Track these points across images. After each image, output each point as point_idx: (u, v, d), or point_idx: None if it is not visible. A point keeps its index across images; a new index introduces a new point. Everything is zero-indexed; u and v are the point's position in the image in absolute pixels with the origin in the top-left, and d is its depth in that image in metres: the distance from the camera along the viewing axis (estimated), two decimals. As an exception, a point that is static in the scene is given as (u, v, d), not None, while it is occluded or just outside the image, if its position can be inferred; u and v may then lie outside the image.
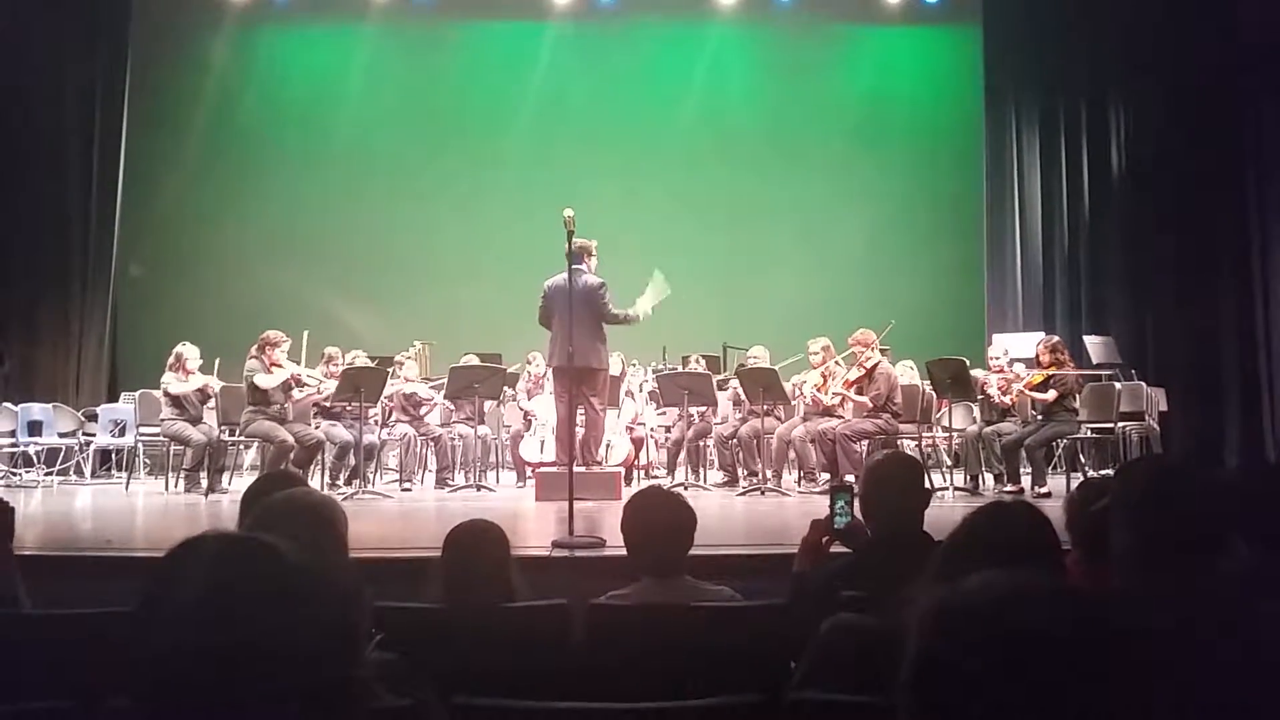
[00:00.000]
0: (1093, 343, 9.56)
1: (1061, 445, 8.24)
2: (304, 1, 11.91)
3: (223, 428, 8.01)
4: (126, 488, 8.54)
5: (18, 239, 10.58)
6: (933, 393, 8.05)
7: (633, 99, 11.82)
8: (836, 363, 8.11)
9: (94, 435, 9.56)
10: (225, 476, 8.12)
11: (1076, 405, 7.65)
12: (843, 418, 7.90)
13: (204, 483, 7.85)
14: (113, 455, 9.72)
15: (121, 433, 9.27)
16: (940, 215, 11.62)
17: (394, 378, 8.48)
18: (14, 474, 9.06)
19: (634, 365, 9.61)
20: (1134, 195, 10.78)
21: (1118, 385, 8.35)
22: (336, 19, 11.86)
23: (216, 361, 8.36)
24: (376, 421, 8.39)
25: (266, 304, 10.21)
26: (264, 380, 7.67)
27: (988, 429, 7.68)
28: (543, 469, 7.69)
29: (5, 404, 9.25)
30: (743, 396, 8.39)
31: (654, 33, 11.91)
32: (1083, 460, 8.62)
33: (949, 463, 8.36)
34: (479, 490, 8.09)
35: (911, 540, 2.64)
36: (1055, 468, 8.51)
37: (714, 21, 11.88)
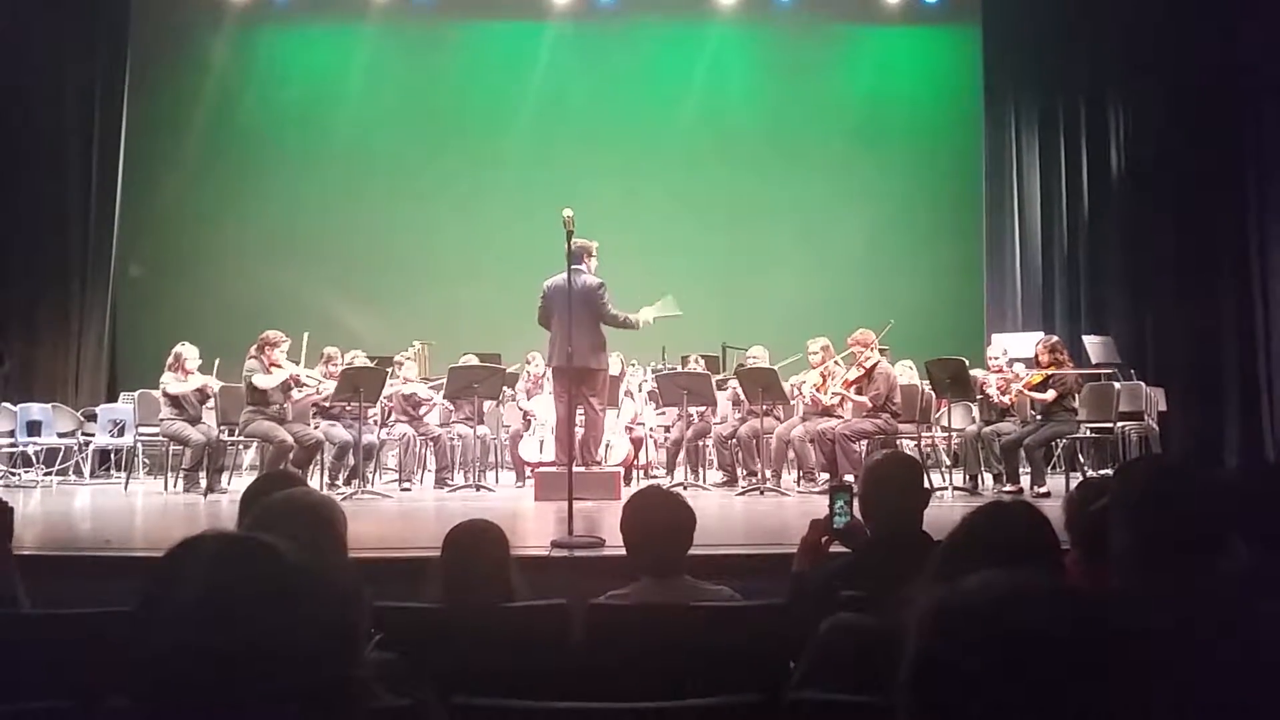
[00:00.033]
0: (1092, 343, 9.57)
1: (1061, 445, 8.25)
2: (304, 1, 11.91)
3: (222, 428, 8.01)
4: (125, 488, 8.54)
5: (17, 239, 10.58)
6: (932, 393, 8.05)
7: (633, 99, 11.82)
8: (836, 363, 8.11)
9: (93, 435, 9.56)
10: (224, 476, 8.12)
11: (1076, 405, 7.65)
12: (842, 417, 7.90)
13: (203, 483, 7.85)
14: (112, 455, 9.71)
15: (121, 433, 9.27)
16: (940, 215, 11.62)
17: (393, 378, 8.48)
18: (13, 474, 9.05)
19: (633, 365, 9.61)
20: (1134, 195, 10.78)
21: (1117, 385, 8.35)
22: (336, 19, 11.85)
23: (216, 362, 8.35)
24: (376, 421, 8.39)
25: (266, 304, 10.21)
26: (262, 380, 7.66)
27: (987, 429, 7.69)
28: (542, 469, 7.69)
29: (4, 404, 9.25)
30: (742, 396, 8.39)
31: (654, 33, 11.91)
32: (1082, 460, 8.62)
33: (948, 463, 8.36)
34: (478, 490, 8.09)
35: (911, 540, 2.65)
36: (1054, 467, 8.51)
37: (714, 21, 11.88)
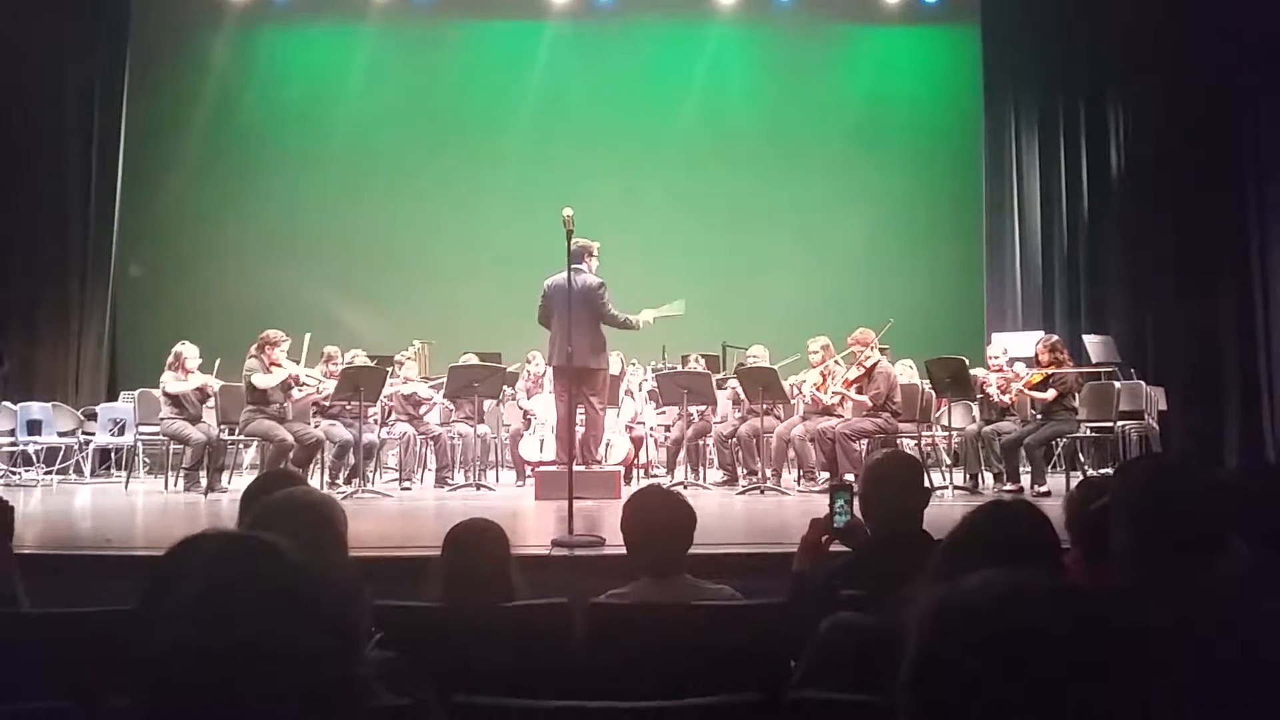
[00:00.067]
0: (1092, 342, 9.56)
1: (1061, 444, 8.24)
2: (304, 1, 11.91)
3: (222, 427, 8.01)
4: (126, 487, 8.54)
5: (17, 238, 10.59)
6: (932, 392, 8.05)
7: (632, 99, 11.82)
8: (836, 362, 8.11)
9: (93, 434, 9.56)
10: (225, 475, 8.12)
11: (1076, 404, 7.64)
12: (842, 417, 7.90)
13: (203, 482, 7.85)
14: (112, 454, 9.72)
15: (121, 432, 9.27)
16: (939, 215, 11.62)
17: (393, 377, 8.47)
18: (13, 473, 9.06)
19: (633, 364, 9.60)
20: (1133, 195, 10.78)
21: (1117, 384, 8.34)
22: (336, 19, 11.86)
23: (217, 362, 8.35)
24: (376, 420, 8.39)
25: (266, 303, 10.21)
26: (261, 380, 7.66)
27: (987, 428, 7.69)
28: (542, 468, 7.69)
29: (5, 403, 9.26)
30: (742, 395, 8.39)
31: (653, 32, 11.91)
32: (1082, 459, 8.62)
33: (948, 462, 8.36)
34: (478, 489, 8.09)
35: (911, 539, 2.65)
36: (1054, 467, 8.51)
37: (713, 21, 11.88)
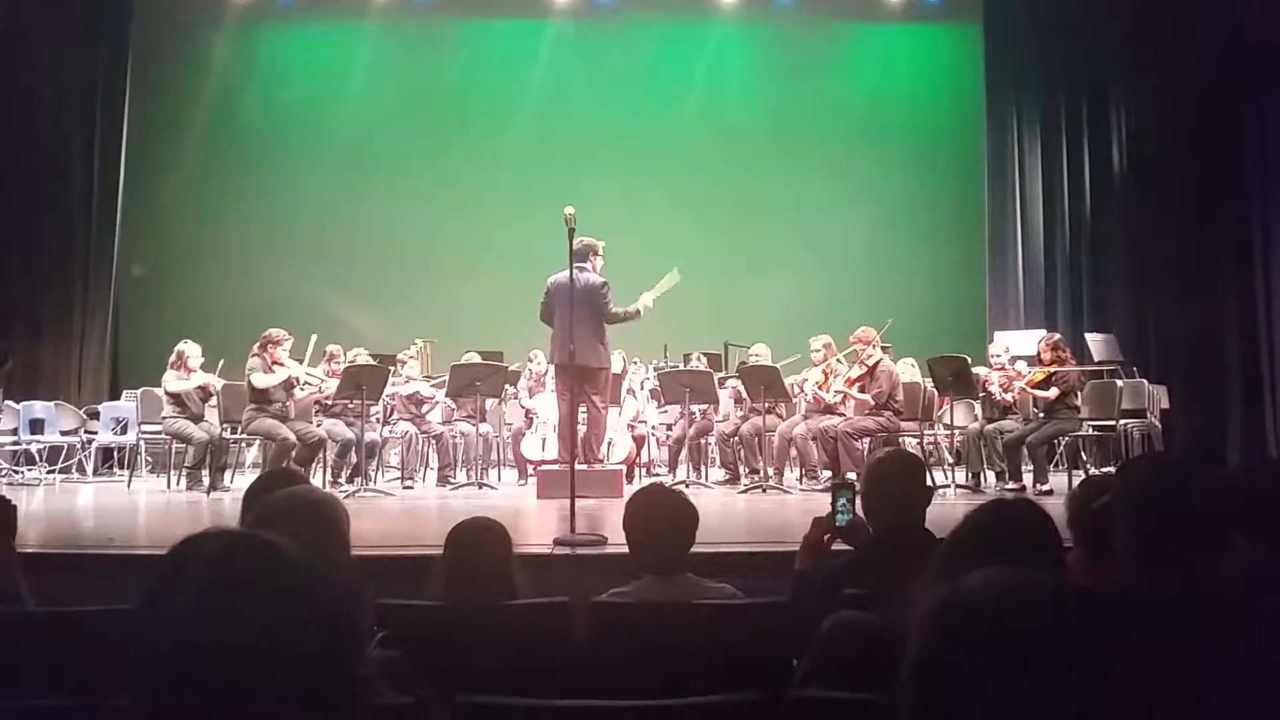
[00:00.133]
0: (1094, 340, 9.56)
1: (1063, 443, 8.24)
2: (305, 1, 11.91)
3: (224, 426, 8.01)
4: (128, 485, 8.55)
5: (19, 238, 10.60)
6: (934, 390, 8.04)
7: (633, 98, 11.82)
8: (838, 360, 8.10)
9: (96, 433, 9.57)
10: (227, 474, 8.12)
11: (1078, 403, 7.64)
12: (844, 415, 7.89)
13: (206, 481, 7.86)
14: (115, 453, 9.73)
15: (123, 431, 9.28)
16: (941, 213, 11.62)
17: (395, 376, 8.47)
18: (16, 472, 9.07)
19: (635, 363, 9.61)
20: (1135, 193, 10.77)
21: (1119, 383, 8.34)
22: (337, 18, 11.86)
23: (220, 362, 8.36)
24: (378, 419, 8.39)
25: (268, 303, 10.21)
26: (260, 380, 7.66)
27: (989, 426, 7.68)
28: (544, 467, 7.70)
29: (8, 402, 9.27)
30: (744, 394, 8.39)
31: (654, 31, 11.91)
32: (1084, 458, 8.62)
33: (950, 460, 8.35)
34: (480, 488, 8.09)
35: (913, 538, 2.65)
36: (1057, 465, 8.51)
37: (714, 20, 11.88)
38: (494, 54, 11.99)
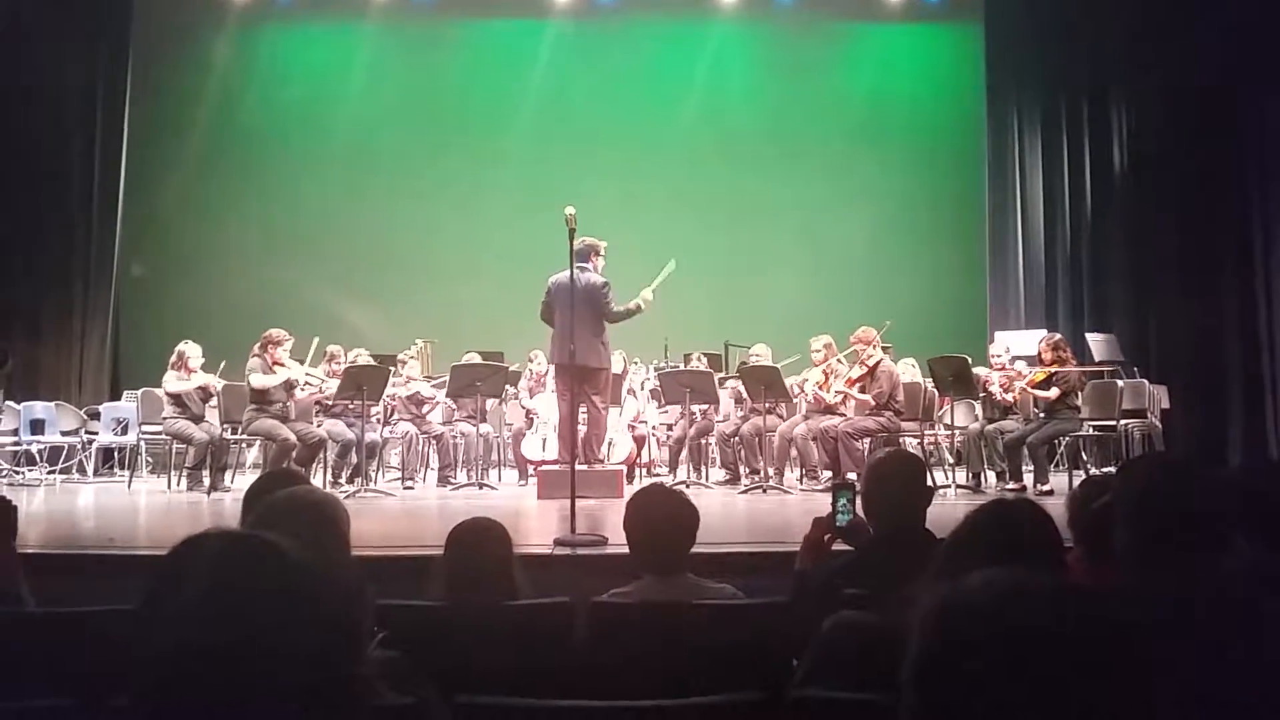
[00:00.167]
0: (1095, 340, 9.56)
1: (1063, 443, 8.24)
2: (305, 1, 11.91)
3: (225, 426, 8.01)
4: (129, 486, 8.55)
5: (20, 238, 10.60)
6: (935, 390, 8.04)
7: (633, 98, 11.82)
8: (839, 360, 8.11)
9: (96, 434, 9.57)
10: (227, 475, 8.12)
11: (1079, 403, 7.64)
12: (844, 415, 7.89)
13: (206, 481, 7.86)
14: (115, 454, 9.73)
15: (124, 431, 9.27)
16: (941, 213, 11.62)
17: (396, 376, 8.47)
18: (17, 472, 9.07)
19: (636, 363, 9.61)
20: (1136, 193, 10.77)
21: (1120, 383, 8.34)
22: (337, 18, 11.86)
23: (222, 363, 8.36)
24: (379, 420, 8.39)
25: (268, 303, 10.22)
26: (258, 380, 7.66)
27: (990, 427, 7.68)
28: (545, 467, 7.70)
29: (8, 402, 9.27)
30: (744, 394, 8.39)
31: (654, 31, 11.91)
32: (1085, 458, 8.62)
33: (951, 460, 8.35)
34: (481, 488, 8.09)
35: (913, 538, 2.65)
36: (1057, 465, 8.52)
37: (715, 20, 11.88)
38: (494, 54, 11.99)
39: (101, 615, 2.49)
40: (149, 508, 7.35)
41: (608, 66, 11.87)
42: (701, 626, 2.56)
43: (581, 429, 7.33)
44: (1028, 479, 7.49)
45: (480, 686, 1.90)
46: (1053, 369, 7.50)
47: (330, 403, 8.14)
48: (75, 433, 9.58)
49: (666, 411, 9.25)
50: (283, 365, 7.81)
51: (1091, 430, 7.91)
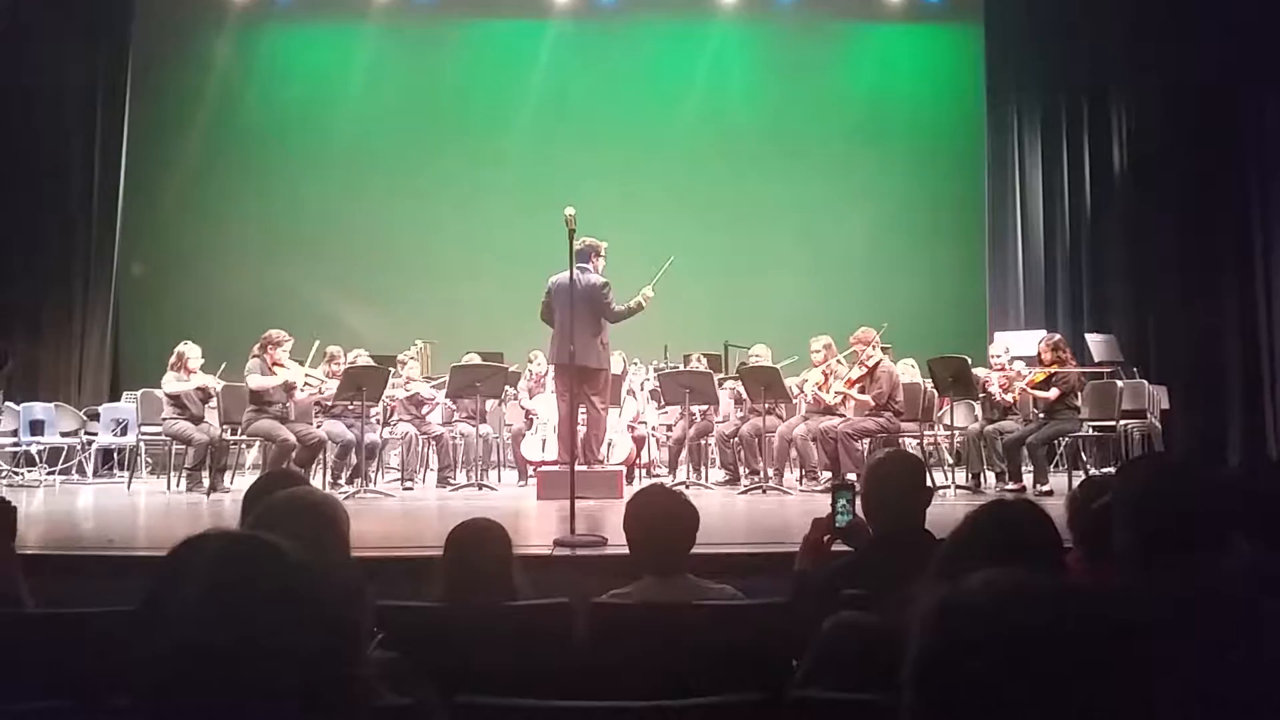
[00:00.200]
0: (1094, 340, 9.56)
1: (1063, 443, 8.24)
2: (305, 1, 11.92)
3: (224, 427, 8.01)
4: (128, 487, 8.54)
5: (19, 239, 10.60)
6: (934, 391, 8.04)
7: (634, 98, 11.82)
8: (838, 361, 8.10)
9: (96, 434, 9.57)
10: (227, 476, 8.12)
11: (1078, 403, 7.64)
12: (844, 416, 7.89)
13: (206, 482, 7.85)
14: (115, 454, 9.73)
15: (123, 432, 9.27)
16: (941, 213, 11.62)
17: (395, 376, 8.47)
18: (16, 473, 9.07)
19: (635, 364, 9.60)
20: (1136, 193, 10.77)
21: (1120, 383, 8.34)
22: (337, 18, 11.86)
23: (222, 365, 8.36)
24: (378, 420, 8.39)
25: (268, 303, 10.22)
26: (256, 382, 7.66)
27: (989, 427, 7.68)
28: (544, 468, 7.69)
29: (8, 403, 9.27)
30: (744, 395, 8.39)
31: (655, 31, 11.91)
32: (1084, 458, 8.62)
33: (951, 461, 8.35)
34: (480, 489, 8.08)
35: (913, 538, 2.64)
36: (1057, 466, 8.51)
37: (715, 20, 11.88)
38: (494, 54, 11.99)
39: (101, 616, 2.49)
40: (148, 509, 7.35)
41: (608, 66, 11.87)
42: (701, 627, 2.56)
43: (581, 430, 7.33)
44: (1027, 479, 7.49)
45: (480, 687, 1.90)
46: (1052, 369, 7.50)
47: (330, 403, 8.13)
48: (75, 434, 9.58)
49: (666, 412, 9.24)
50: (282, 366, 7.80)
51: (1091, 431, 7.92)
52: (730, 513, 6.65)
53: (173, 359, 8.05)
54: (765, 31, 12.00)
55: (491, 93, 11.80)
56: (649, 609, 2.65)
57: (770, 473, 7.90)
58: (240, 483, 7.81)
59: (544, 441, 8.51)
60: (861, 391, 7.86)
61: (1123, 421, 8.11)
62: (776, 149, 11.67)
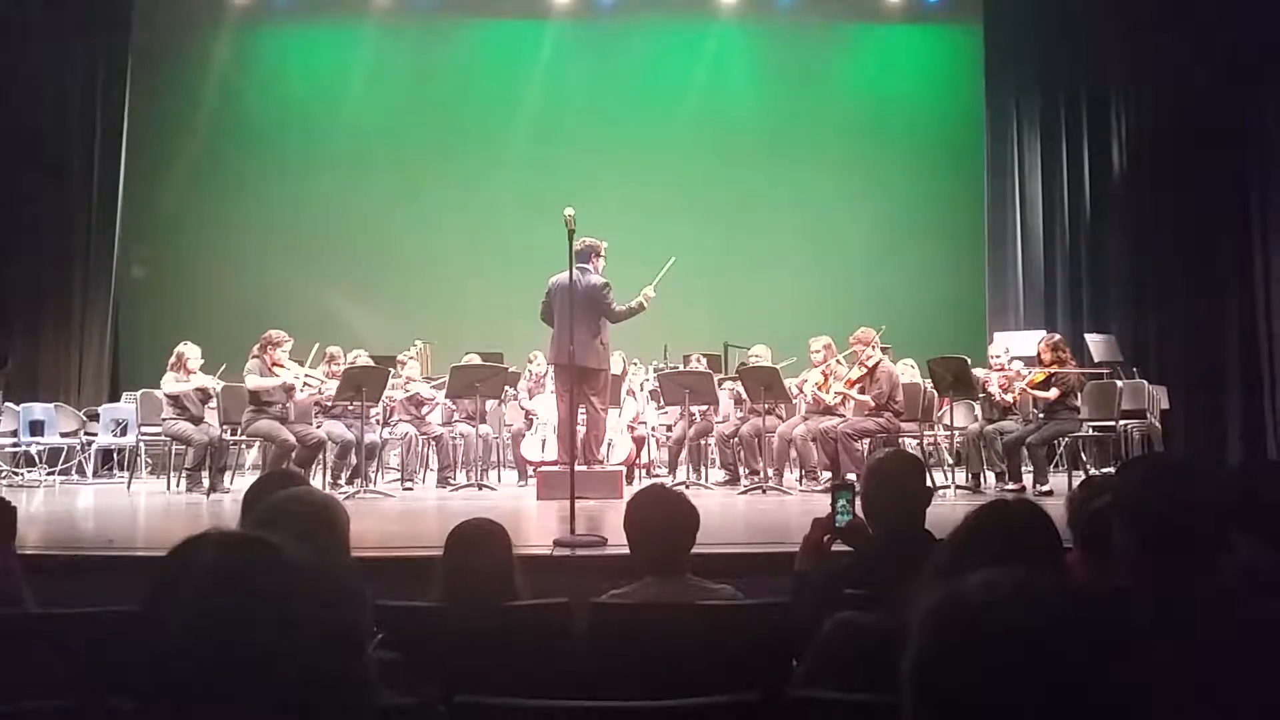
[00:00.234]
0: (1094, 340, 9.57)
1: (1063, 443, 8.23)
2: (305, 1, 11.92)
3: (224, 427, 8.00)
4: (128, 487, 8.54)
5: (19, 239, 10.58)
6: (934, 391, 8.04)
7: (634, 98, 11.82)
8: (838, 361, 8.10)
9: (96, 435, 9.57)
10: (227, 476, 8.11)
11: (1078, 403, 7.64)
12: (844, 416, 7.90)
13: (205, 482, 7.85)
14: (114, 455, 9.72)
15: (123, 432, 9.27)
16: (941, 213, 11.61)
17: (395, 377, 8.46)
18: (16, 474, 9.07)
19: (635, 364, 9.60)
20: (1135, 193, 10.78)
21: (1119, 383, 8.34)
22: (337, 18, 11.87)
23: (222, 366, 8.35)
24: (378, 421, 8.38)
25: (268, 303, 10.23)
26: (254, 382, 7.65)
27: (989, 427, 7.68)
28: (544, 468, 7.69)
29: (7, 404, 9.26)
30: (744, 395, 8.39)
31: (655, 32, 11.92)
32: (1084, 458, 8.62)
33: (950, 461, 8.35)
34: (480, 489, 8.08)
35: (913, 539, 2.64)
36: (1057, 466, 8.51)
37: (714, 20, 11.89)
38: (494, 54, 11.99)
39: (101, 616, 2.49)
40: (148, 509, 7.35)
41: (608, 66, 11.87)
42: (701, 627, 2.57)
43: (581, 430, 7.33)
44: (1027, 479, 7.49)
45: (480, 687, 1.90)
46: (1052, 369, 7.50)
47: (330, 404, 8.13)
48: (74, 434, 9.58)
49: (666, 412, 9.24)
50: (282, 367, 7.80)
51: (1091, 431, 7.91)
52: (730, 513, 6.65)
53: (172, 359, 8.04)
54: (765, 32, 12.00)
55: (491, 93, 11.81)
56: (649, 609, 2.65)
57: (770, 473, 7.90)
58: (240, 483, 7.80)
59: (544, 442, 8.51)
60: (861, 392, 7.86)
61: (1122, 421, 8.11)
62: (776, 149, 11.68)
